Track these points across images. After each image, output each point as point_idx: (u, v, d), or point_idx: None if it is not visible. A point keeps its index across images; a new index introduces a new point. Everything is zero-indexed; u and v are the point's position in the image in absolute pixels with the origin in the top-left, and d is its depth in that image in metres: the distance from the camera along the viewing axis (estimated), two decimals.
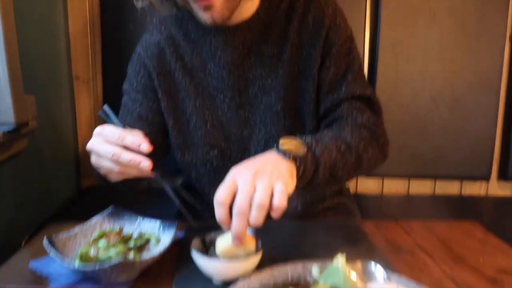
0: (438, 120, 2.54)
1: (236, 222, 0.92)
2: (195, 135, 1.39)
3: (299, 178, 1.06)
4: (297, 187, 1.04)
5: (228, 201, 0.93)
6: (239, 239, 0.94)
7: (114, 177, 1.15)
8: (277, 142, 1.08)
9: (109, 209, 1.23)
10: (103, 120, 1.15)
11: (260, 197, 0.91)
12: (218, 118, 1.38)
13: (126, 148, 1.02)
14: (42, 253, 1.11)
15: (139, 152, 1.02)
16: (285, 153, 1.04)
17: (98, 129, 1.08)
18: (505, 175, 2.64)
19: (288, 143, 1.08)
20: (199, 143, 1.39)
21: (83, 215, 1.22)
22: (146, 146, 1.01)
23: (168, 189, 1.10)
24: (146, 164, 1.01)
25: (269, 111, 1.37)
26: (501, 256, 1.20)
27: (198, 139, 1.39)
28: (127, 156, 1.01)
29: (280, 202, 0.92)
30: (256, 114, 1.38)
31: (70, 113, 2.46)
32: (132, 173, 1.07)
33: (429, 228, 1.38)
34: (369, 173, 1.30)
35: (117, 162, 1.02)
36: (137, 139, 1.02)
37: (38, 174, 2.04)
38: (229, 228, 0.94)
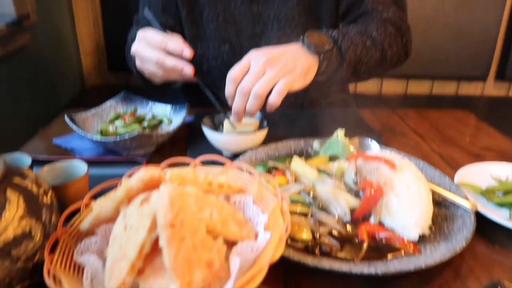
0: (442, 19, 2.51)
1: (237, 100, 0.98)
2: (207, 28, 1.39)
3: (321, 73, 1.07)
4: (316, 81, 1.06)
5: (238, 79, 0.98)
6: (238, 116, 1.01)
7: (157, 80, 1.19)
8: (295, 38, 1.06)
9: (121, 94, 1.29)
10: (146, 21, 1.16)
11: (259, 88, 0.95)
12: (230, 11, 1.36)
13: (169, 53, 1.04)
14: (62, 133, 1.20)
15: (181, 57, 1.04)
16: (309, 46, 1.03)
17: (141, 34, 1.08)
18: (502, 75, 2.68)
19: (313, 36, 1.06)
20: (211, 36, 1.39)
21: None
22: (188, 52, 1.02)
23: (204, 87, 1.13)
24: (188, 70, 1.03)
25: (284, 6, 1.32)
26: (487, 137, 1.31)
27: (210, 32, 1.39)
28: (170, 61, 1.03)
29: (274, 101, 0.96)
30: (270, 10, 1.34)
31: (67, 11, 2.42)
32: (174, 76, 1.11)
33: (423, 115, 1.47)
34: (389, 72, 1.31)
35: (161, 67, 1.05)
36: (179, 45, 1.02)
37: (43, 70, 2.07)
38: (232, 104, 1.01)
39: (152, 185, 0.63)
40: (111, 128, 1.11)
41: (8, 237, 0.56)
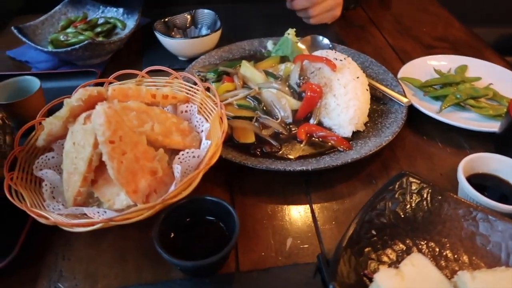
0: None
1: None
2: None
3: None
4: None
5: None
6: None
7: None
8: None
9: None
10: None
11: None
12: None
13: None
14: (14, 45, 1.18)
15: None
16: None
17: None
18: None
19: None
20: None
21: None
22: None
23: None
24: None
25: None
26: (445, 26, 1.31)
27: None
28: None
29: None
30: None
31: None
32: None
33: (385, 3, 1.44)
34: None
35: None
36: None
37: None
38: None
39: (93, 103, 0.66)
40: (62, 37, 1.09)
41: None
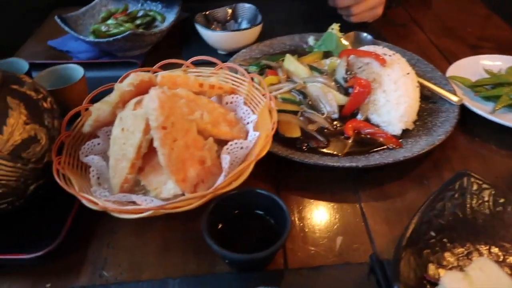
0: None
1: None
2: None
3: None
4: None
5: None
6: None
7: None
8: None
9: None
10: None
11: None
12: None
13: None
14: (54, 36, 1.19)
15: None
16: None
17: None
18: None
19: None
20: None
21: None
22: None
23: None
24: None
25: None
26: (490, 26, 1.27)
27: None
28: None
29: None
30: None
31: None
32: None
33: (426, 2, 1.40)
34: None
35: None
36: None
37: None
38: None
39: (144, 89, 0.66)
40: (103, 28, 1.09)
41: (16, 141, 0.61)
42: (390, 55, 0.86)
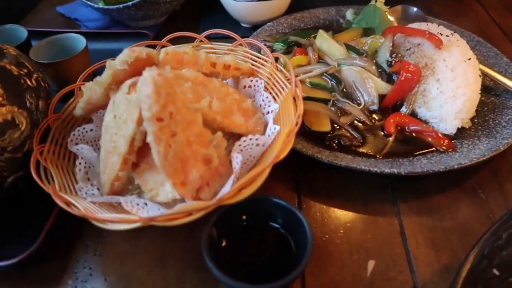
0: None
1: None
2: None
3: None
4: None
5: None
6: None
7: None
8: None
9: None
10: None
11: None
12: None
13: None
14: (65, 2, 1.09)
15: None
16: None
17: None
18: None
19: None
20: None
21: None
22: None
23: None
24: None
25: None
26: None
27: None
28: None
29: None
30: None
31: None
32: None
33: None
34: None
35: None
36: None
37: None
38: None
39: (141, 68, 0.53)
40: None
41: None
42: (447, 35, 0.70)
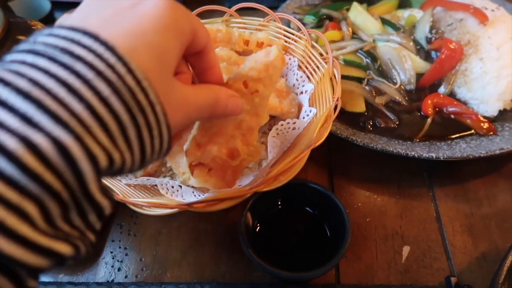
0: None
1: None
2: None
3: None
4: None
5: None
6: None
7: None
8: None
9: None
10: None
11: None
12: None
13: None
14: None
15: None
16: None
17: None
18: None
19: None
20: None
21: None
22: None
23: None
24: None
25: None
26: None
27: None
28: None
29: None
30: None
31: None
32: None
33: None
34: None
35: None
36: None
37: None
38: None
39: None
40: None
41: None
42: (492, 10, 0.66)
